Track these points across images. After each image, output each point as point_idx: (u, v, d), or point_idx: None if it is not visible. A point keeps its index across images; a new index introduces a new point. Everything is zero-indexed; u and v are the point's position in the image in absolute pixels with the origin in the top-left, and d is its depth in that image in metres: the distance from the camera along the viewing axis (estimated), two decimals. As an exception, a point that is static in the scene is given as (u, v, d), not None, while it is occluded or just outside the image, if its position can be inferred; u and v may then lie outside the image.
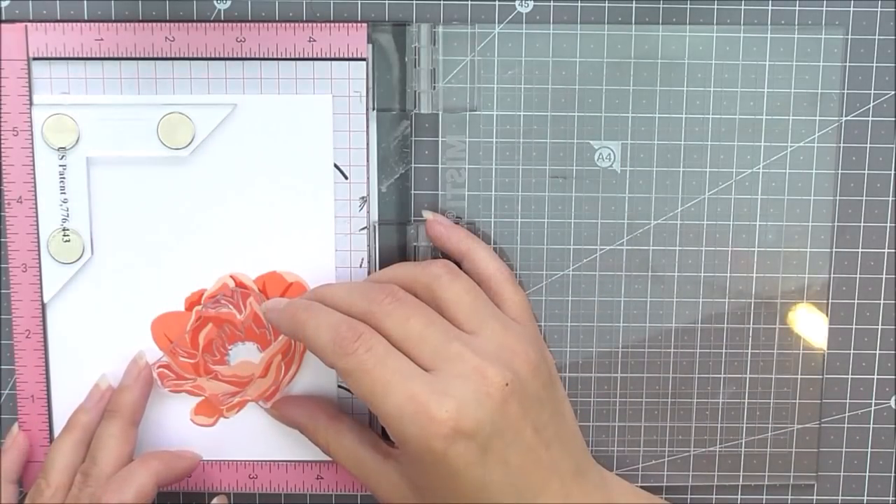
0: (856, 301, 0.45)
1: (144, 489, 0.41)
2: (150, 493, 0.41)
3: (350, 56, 0.42)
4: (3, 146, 0.43)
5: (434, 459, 0.36)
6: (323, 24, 0.42)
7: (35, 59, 0.42)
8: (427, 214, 0.43)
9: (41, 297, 0.44)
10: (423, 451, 0.36)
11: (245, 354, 0.45)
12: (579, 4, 0.43)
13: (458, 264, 0.42)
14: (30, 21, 0.42)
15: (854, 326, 0.45)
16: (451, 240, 0.43)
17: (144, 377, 0.44)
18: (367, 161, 0.43)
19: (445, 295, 0.39)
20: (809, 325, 0.45)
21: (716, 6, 0.43)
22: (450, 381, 0.36)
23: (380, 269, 0.43)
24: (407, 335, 0.37)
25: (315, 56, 0.42)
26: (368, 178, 0.43)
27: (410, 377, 0.36)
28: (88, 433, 0.43)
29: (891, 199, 0.44)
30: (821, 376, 0.45)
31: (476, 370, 0.37)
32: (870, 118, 0.44)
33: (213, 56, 0.42)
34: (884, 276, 0.45)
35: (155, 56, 0.42)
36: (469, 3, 0.43)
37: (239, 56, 0.42)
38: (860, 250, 0.44)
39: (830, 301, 0.45)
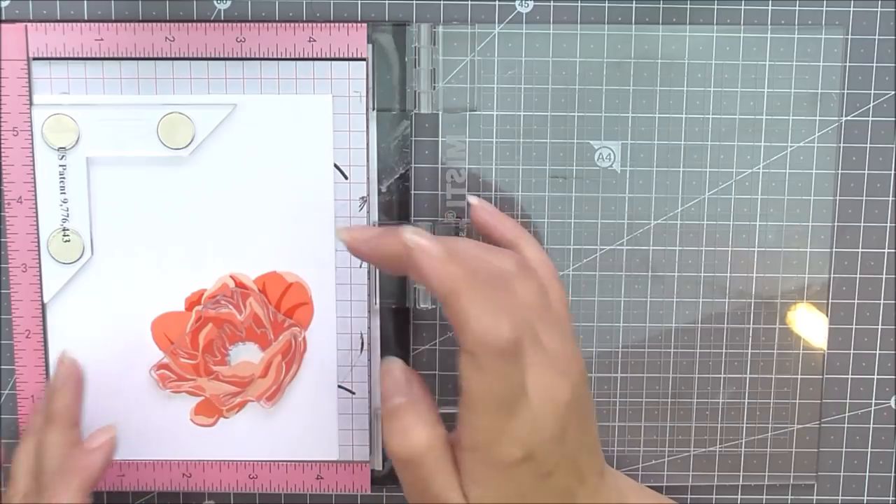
0: (856, 301, 0.45)
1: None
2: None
3: (350, 56, 0.42)
4: (3, 146, 0.43)
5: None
6: (323, 24, 0.42)
7: (35, 59, 0.42)
8: (473, 200, 0.41)
9: (41, 297, 0.44)
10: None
11: (245, 354, 0.45)
12: (579, 4, 0.43)
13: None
14: (30, 21, 0.42)
15: (854, 326, 0.45)
16: (497, 228, 0.40)
17: (74, 377, 0.43)
18: (367, 161, 0.43)
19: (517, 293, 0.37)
20: (809, 325, 0.45)
21: (716, 6, 0.43)
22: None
23: (379, 269, 0.43)
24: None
25: (315, 56, 0.42)
26: (368, 178, 0.43)
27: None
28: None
29: (891, 199, 0.44)
30: (821, 376, 0.45)
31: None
32: (870, 118, 0.44)
33: (213, 56, 0.42)
34: (884, 276, 0.45)
35: (155, 56, 0.42)
36: (469, 3, 0.43)
37: (239, 56, 0.42)
38: (860, 250, 0.45)
39: (830, 301, 0.45)
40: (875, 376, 0.45)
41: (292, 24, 0.42)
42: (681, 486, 0.46)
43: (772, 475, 0.46)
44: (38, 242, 0.43)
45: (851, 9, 0.43)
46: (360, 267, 0.44)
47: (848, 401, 0.46)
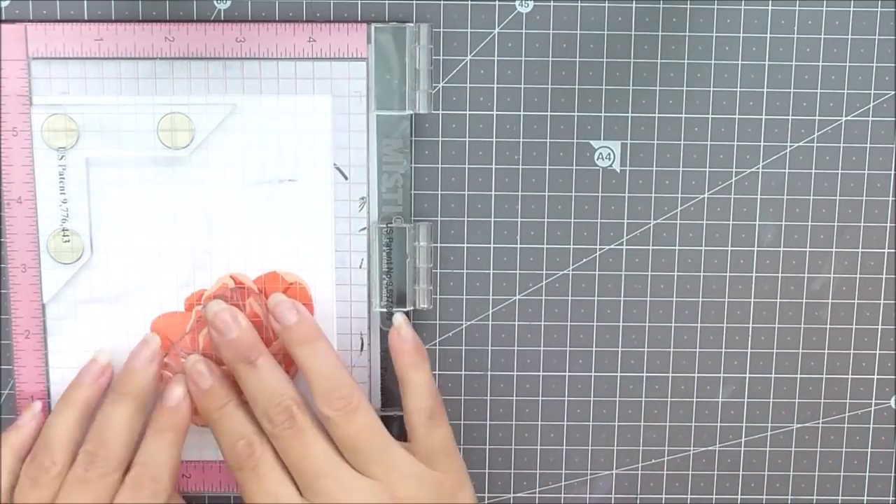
0: (856, 301, 0.45)
1: (175, 464, 0.42)
2: (178, 466, 0.42)
3: (350, 56, 0.42)
4: (2, 146, 0.43)
5: None
6: (323, 24, 0.42)
7: (35, 59, 0.42)
8: (397, 320, 0.44)
9: (41, 297, 0.44)
10: None
11: (245, 354, 0.44)
12: (579, 5, 0.43)
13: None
14: (30, 21, 0.42)
15: (854, 326, 0.45)
16: (395, 360, 0.43)
17: (158, 361, 0.43)
18: (367, 161, 0.43)
19: (343, 431, 0.40)
20: (809, 325, 0.45)
21: (716, 6, 0.43)
22: None
23: (379, 269, 0.43)
24: (298, 462, 0.40)
25: (315, 56, 0.42)
26: (368, 178, 0.43)
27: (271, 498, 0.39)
28: (88, 409, 0.42)
29: (891, 199, 0.44)
30: (821, 376, 0.45)
31: None
32: (870, 118, 0.44)
33: (212, 56, 0.42)
34: (884, 276, 0.45)
35: (155, 56, 0.42)
36: (469, 3, 0.43)
37: (239, 56, 0.42)
38: (860, 250, 0.45)
39: (830, 301, 0.45)
40: (875, 376, 0.45)
41: (292, 24, 0.42)
42: (681, 486, 0.46)
43: (771, 475, 0.46)
44: (38, 242, 0.43)
45: (851, 9, 0.43)
46: (360, 267, 0.44)
47: (848, 401, 0.46)
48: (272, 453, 0.40)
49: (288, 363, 0.44)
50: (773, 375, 0.45)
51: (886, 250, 0.45)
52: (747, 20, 0.43)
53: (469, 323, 0.45)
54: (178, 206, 0.43)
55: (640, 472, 0.46)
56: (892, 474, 0.46)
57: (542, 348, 0.45)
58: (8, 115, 0.42)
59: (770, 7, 0.43)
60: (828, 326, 0.45)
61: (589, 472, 0.46)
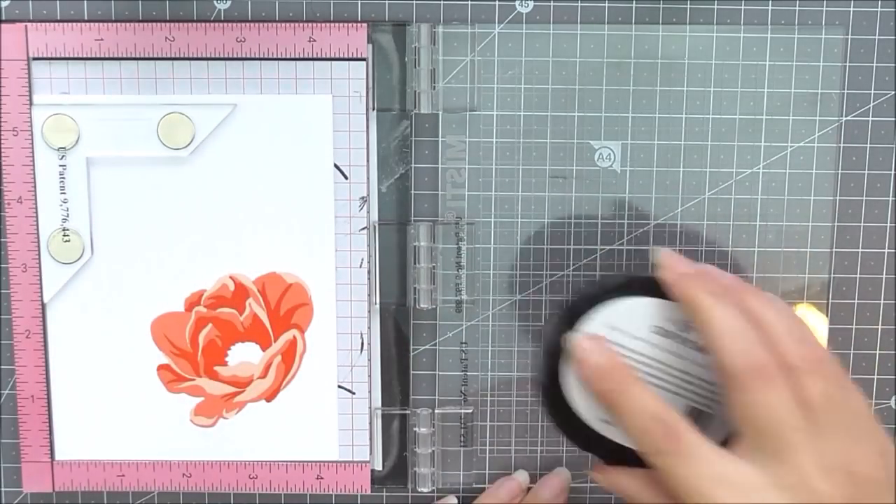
0: (856, 301, 0.45)
1: None
2: None
3: (350, 56, 0.42)
4: (3, 146, 0.43)
5: None
6: (323, 24, 0.42)
7: (35, 59, 0.42)
8: (662, 255, 0.38)
9: (41, 297, 0.44)
10: None
11: (245, 355, 0.45)
12: (579, 4, 0.43)
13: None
14: (30, 21, 0.42)
15: (854, 326, 0.45)
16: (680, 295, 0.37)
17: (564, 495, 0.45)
18: (367, 161, 0.43)
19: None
20: (809, 325, 0.45)
21: (716, 6, 0.43)
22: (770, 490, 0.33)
23: (379, 268, 0.43)
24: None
25: (315, 56, 0.42)
26: (368, 178, 0.43)
27: (724, 483, 0.33)
28: None
29: (891, 199, 0.44)
30: (821, 376, 0.45)
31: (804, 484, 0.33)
32: (870, 118, 0.44)
33: (213, 56, 0.42)
34: (884, 276, 0.45)
35: (155, 56, 0.42)
36: (469, 3, 0.43)
37: (239, 56, 0.42)
38: (860, 250, 0.45)
39: (830, 301, 0.45)
40: (875, 376, 0.45)
41: (292, 24, 0.42)
42: (681, 486, 0.46)
43: (772, 475, 0.46)
44: (38, 242, 0.43)
45: (851, 9, 0.43)
46: (360, 266, 0.44)
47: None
48: (693, 430, 0.35)
49: (288, 364, 0.44)
50: (773, 375, 0.45)
51: (886, 250, 0.45)
52: (747, 20, 0.43)
53: (469, 323, 0.45)
54: (178, 206, 0.43)
55: (640, 472, 0.46)
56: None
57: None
58: (8, 115, 0.43)
59: (770, 7, 0.43)
60: (828, 326, 0.45)
61: (589, 472, 0.46)
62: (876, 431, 0.35)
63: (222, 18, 0.43)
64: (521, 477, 0.46)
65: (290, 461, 0.45)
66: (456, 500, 0.46)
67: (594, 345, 0.37)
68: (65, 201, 0.43)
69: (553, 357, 0.38)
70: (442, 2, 0.43)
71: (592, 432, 0.38)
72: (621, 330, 0.38)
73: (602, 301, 0.38)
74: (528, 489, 0.46)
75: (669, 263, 0.38)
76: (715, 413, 0.38)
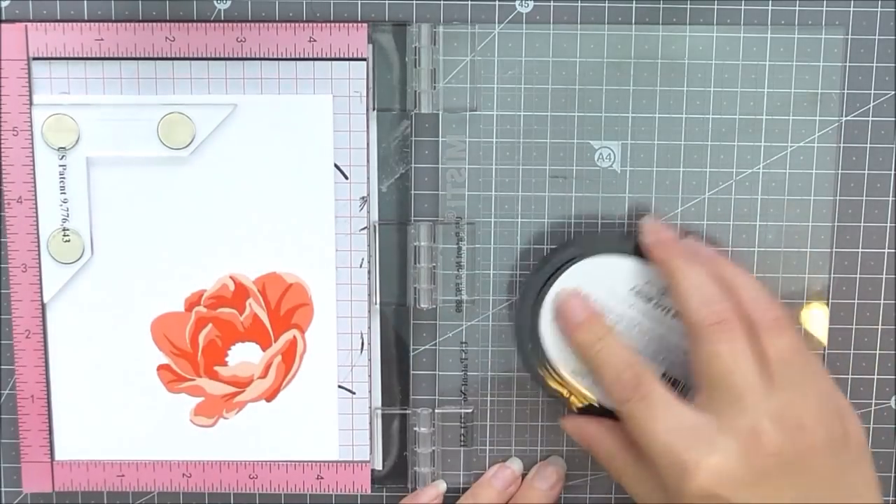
0: (856, 301, 0.45)
1: None
2: None
3: (350, 56, 0.42)
4: (3, 146, 0.43)
5: None
6: (323, 24, 0.42)
7: (35, 59, 0.42)
8: (646, 221, 0.42)
9: (41, 297, 0.44)
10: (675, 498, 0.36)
11: (245, 355, 0.45)
12: (579, 4, 0.43)
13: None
14: (30, 21, 0.42)
15: (854, 326, 0.45)
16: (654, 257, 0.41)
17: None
18: (367, 161, 0.43)
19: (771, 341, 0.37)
20: (809, 325, 0.45)
21: (716, 6, 0.43)
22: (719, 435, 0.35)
23: (379, 268, 0.43)
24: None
25: (315, 56, 0.42)
26: (368, 178, 0.43)
27: (677, 428, 0.36)
28: None
29: (891, 199, 0.44)
30: (821, 376, 0.45)
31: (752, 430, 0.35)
32: (870, 118, 0.44)
33: (213, 56, 0.42)
34: (884, 276, 0.45)
35: (155, 56, 0.42)
36: (469, 3, 0.43)
37: (239, 56, 0.42)
38: (860, 250, 0.44)
39: (830, 301, 0.45)
40: (875, 376, 0.45)
41: (292, 24, 0.42)
42: (681, 486, 0.46)
43: (772, 475, 0.46)
44: (38, 242, 0.43)
45: (851, 9, 0.43)
46: (361, 266, 0.44)
47: (848, 401, 0.45)
48: (660, 382, 0.38)
49: (288, 364, 0.44)
50: (773, 375, 0.45)
51: (886, 250, 0.45)
52: (747, 20, 0.43)
53: (469, 323, 0.45)
54: (178, 206, 0.43)
55: (640, 472, 0.46)
56: (893, 474, 0.46)
57: (542, 348, 0.45)
58: (8, 115, 0.43)
59: (770, 7, 0.43)
60: (828, 326, 0.45)
61: (589, 472, 0.46)
62: (833, 392, 0.37)
63: (222, 18, 0.43)
64: (515, 465, 0.45)
65: (290, 461, 0.45)
66: (445, 485, 0.46)
67: (574, 298, 0.41)
68: (65, 201, 0.43)
69: (532, 307, 0.41)
70: (442, 2, 0.43)
71: (566, 382, 0.41)
72: (602, 286, 0.40)
73: (584, 257, 0.41)
74: (523, 477, 0.45)
75: (651, 229, 0.41)
76: (688, 384, 0.40)
